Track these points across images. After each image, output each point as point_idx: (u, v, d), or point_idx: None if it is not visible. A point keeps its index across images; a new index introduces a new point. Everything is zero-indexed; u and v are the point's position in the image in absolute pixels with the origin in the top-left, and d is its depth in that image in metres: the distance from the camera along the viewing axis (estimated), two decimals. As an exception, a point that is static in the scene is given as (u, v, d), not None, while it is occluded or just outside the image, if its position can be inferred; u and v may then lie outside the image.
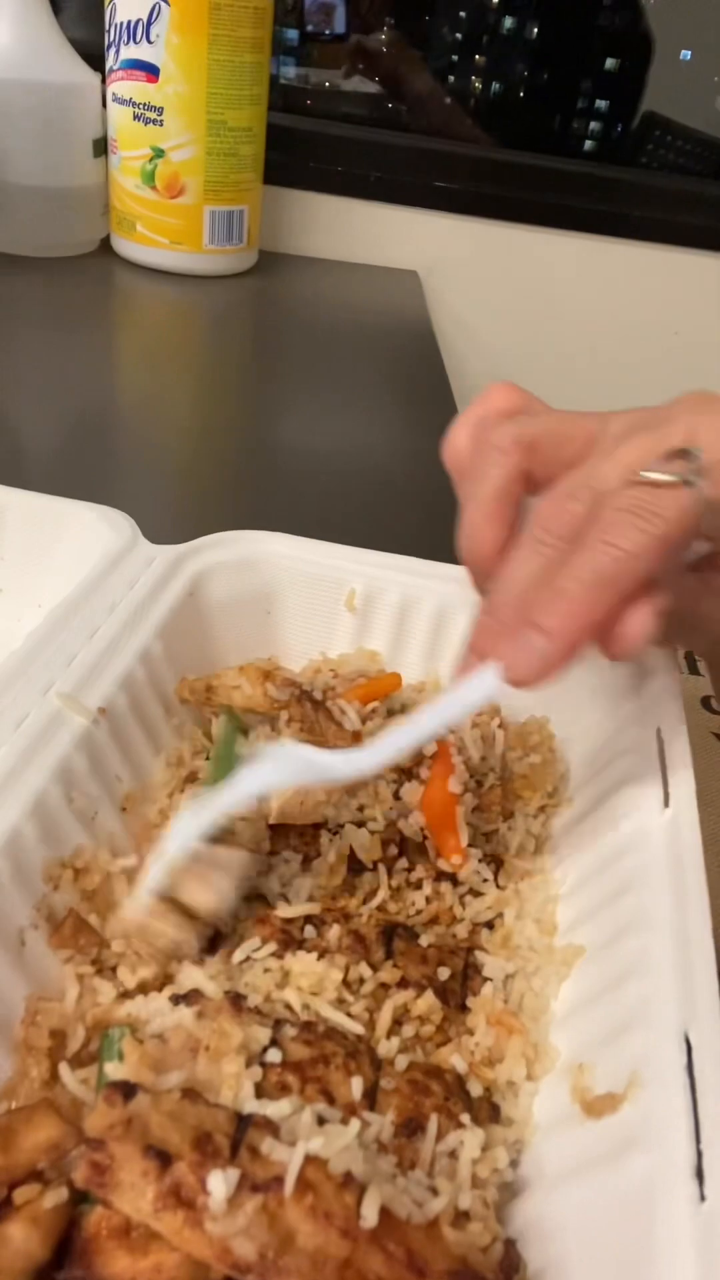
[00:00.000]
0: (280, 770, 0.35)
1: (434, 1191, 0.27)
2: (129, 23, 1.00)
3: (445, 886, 0.39)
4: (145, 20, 0.99)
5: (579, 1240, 0.27)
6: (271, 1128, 0.27)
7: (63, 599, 0.43)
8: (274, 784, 0.36)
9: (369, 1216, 0.25)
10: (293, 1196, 0.25)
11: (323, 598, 0.49)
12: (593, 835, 0.40)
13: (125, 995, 0.33)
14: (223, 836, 0.36)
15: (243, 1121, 0.27)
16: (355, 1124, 0.27)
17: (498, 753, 0.45)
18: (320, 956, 0.34)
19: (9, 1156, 0.27)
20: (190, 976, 0.32)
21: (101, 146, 1.09)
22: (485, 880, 0.39)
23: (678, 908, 0.33)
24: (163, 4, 0.98)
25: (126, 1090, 0.27)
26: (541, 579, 0.34)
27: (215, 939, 0.35)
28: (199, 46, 0.99)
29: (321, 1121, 0.28)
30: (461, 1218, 0.27)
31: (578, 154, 1.87)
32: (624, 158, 1.89)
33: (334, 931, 0.35)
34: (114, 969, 0.34)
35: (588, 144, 1.92)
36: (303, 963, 0.34)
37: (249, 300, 1.14)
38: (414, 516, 0.72)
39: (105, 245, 1.15)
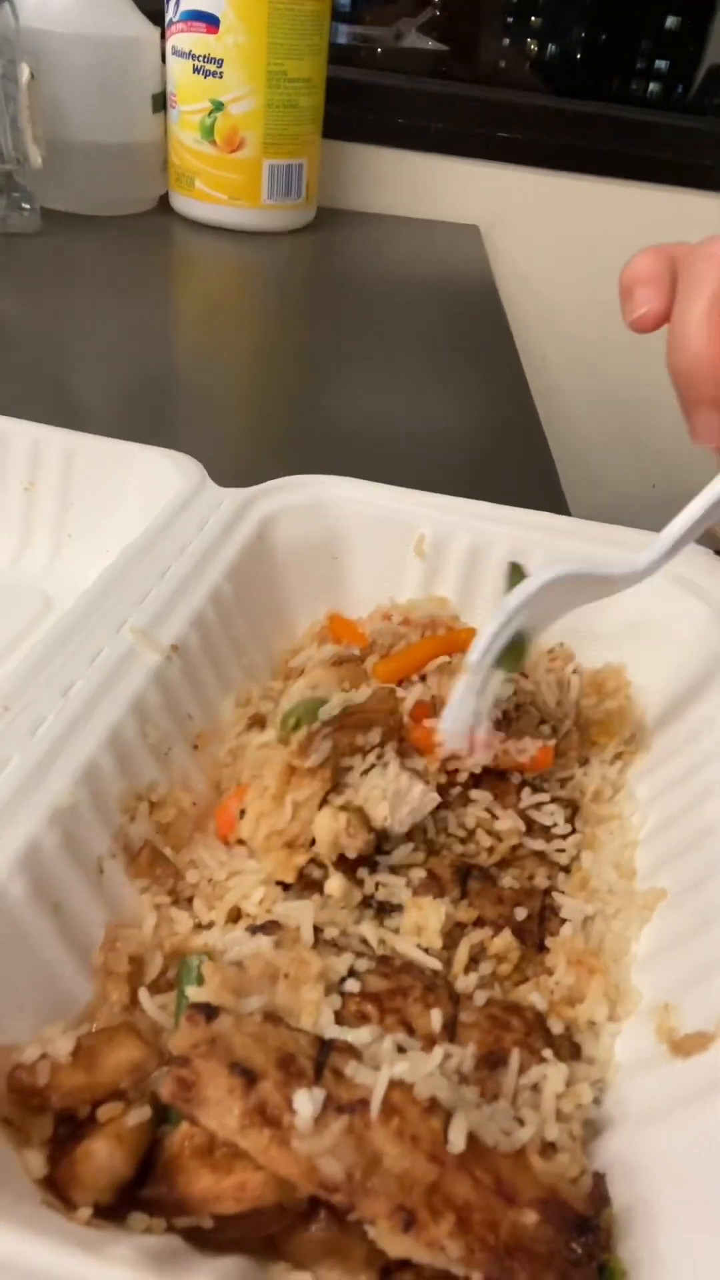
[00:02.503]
0: (552, 585, 0.36)
1: (520, 1122, 0.27)
2: (189, -28, 0.99)
3: (518, 827, 0.38)
4: (205, -31, 0.97)
5: (668, 1178, 0.26)
6: (354, 1052, 0.27)
7: (134, 539, 0.43)
8: (544, 592, 0.36)
9: (456, 1141, 0.24)
10: (379, 1119, 0.24)
11: (391, 543, 0.49)
12: (672, 781, 0.39)
13: (200, 927, 0.33)
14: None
15: (325, 1046, 0.27)
16: (439, 1052, 0.27)
17: (572, 699, 0.44)
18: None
19: (92, 1076, 0.28)
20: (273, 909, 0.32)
21: (160, 102, 1.08)
22: (556, 825, 0.39)
23: (766, 850, 0.32)
24: (223, -49, 0.96)
25: (209, 1011, 0.27)
26: None
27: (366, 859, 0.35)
28: (259, -6, 0.97)
29: (402, 1050, 0.28)
30: (549, 1148, 0.26)
31: (642, 103, 1.82)
32: (692, 107, 1.83)
33: (415, 872, 0.35)
34: (190, 900, 0.34)
35: (650, 95, 1.86)
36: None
37: (307, 256, 1.13)
38: (480, 469, 0.71)
39: (164, 202, 1.15)
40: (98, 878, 0.32)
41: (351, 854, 0.33)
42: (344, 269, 1.12)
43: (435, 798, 0.36)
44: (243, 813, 0.35)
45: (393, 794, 0.34)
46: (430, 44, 1.63)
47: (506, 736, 0.38)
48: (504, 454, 0.76)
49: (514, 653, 0.37)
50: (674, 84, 1.86)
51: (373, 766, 0.35)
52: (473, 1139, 0.25)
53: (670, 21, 1.83)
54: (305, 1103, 0.24)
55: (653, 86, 1.87)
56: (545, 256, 1.31)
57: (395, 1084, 0.25)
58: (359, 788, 0.35)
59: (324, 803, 0.35)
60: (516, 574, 0.37)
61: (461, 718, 0.37)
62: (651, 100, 1.85)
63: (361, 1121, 0.24)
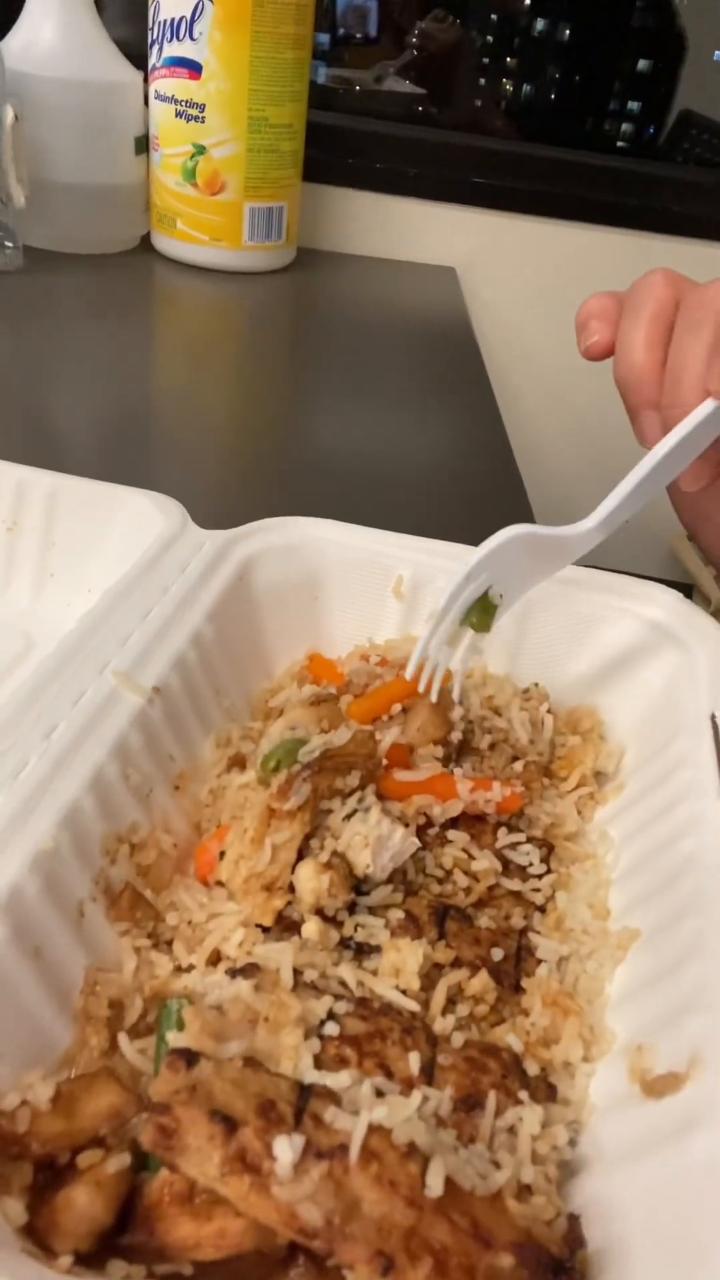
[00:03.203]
0: (509, 547, 0.39)
1: (496, 1165, 0.27)
2: (172, 20, 1.01)
3: (495, 867, 0.38)
4: (189, 17, 1.00)
5: (641, 1218, 0.27)
6: (333, 1097, 0.27)
7: (117, 581, 0.43)
8: (502, 559, 0.40)
9: (434, 1186, 0.25)
10: (358, 1164, 0.25)
11: (370, 584, 0.50)
12: (646, 820, 0.40)
13: (180, 970, 0.34)
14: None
15: (304, 1091, 0.27)
16: (417, 1095, 0.27)
17: (546, 737, 0.45)
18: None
19: (72, 1122, 0.28)
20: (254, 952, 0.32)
21: (143, 144, 1.10)
22: (531, 865, 0.39)
23: (736, 891, 0.33)
24: (206, 2, 0.98)
25: (189, 1057, 0.27)
26: (710, 340, 0.40)
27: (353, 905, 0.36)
28: (242, 43, 1.00)
29: (380, 1094, 0.28)
30: (524, 1191, 0.27)
31: (614, 150, 1.87)
32: (661, 154, 1.88)
33: (394, 913, 0.35)
34: (170, 943, 0.35)
35: (620, 144, 1.91)
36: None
37: (287, 296, 1.15)
38: (456, 506, 0.72)
39: (146, 242, 1.16)
40: (78, 921, 0.33)
41: (331, 912, 0.34)
42: (323, 309, 1.14)
43: (415, 842, 0.36)
44: (222, 854, 0.36)
45: (374, 840, 0.35)
46: (408, 86, 1.67)
47: (478, 780, 0.39)
48: (481, 492, 0.77)
49: (483, 611, 0.40)
50: (646, 125, 1.92)
51: (354, 812, 0.36)
52: (450, 1183, 0.25)
53: (642, 65, 1.88)
54: (285, 1149, 0.24)
55: (626, 127, 1.92)
56: (519, 297, 1.34)
57: (374, 1129, 0.25)
58: (340, 833, 0.35)
59: (305, 850, 0.36)
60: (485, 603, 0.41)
61: (428, 662, 0.41)
62: (625, 139, 1.90)
63: (340, 1167, 0.25)
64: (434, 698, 0.41)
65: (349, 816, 0.36)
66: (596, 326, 0.45)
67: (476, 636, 0.41)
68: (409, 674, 0.41)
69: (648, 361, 0.43)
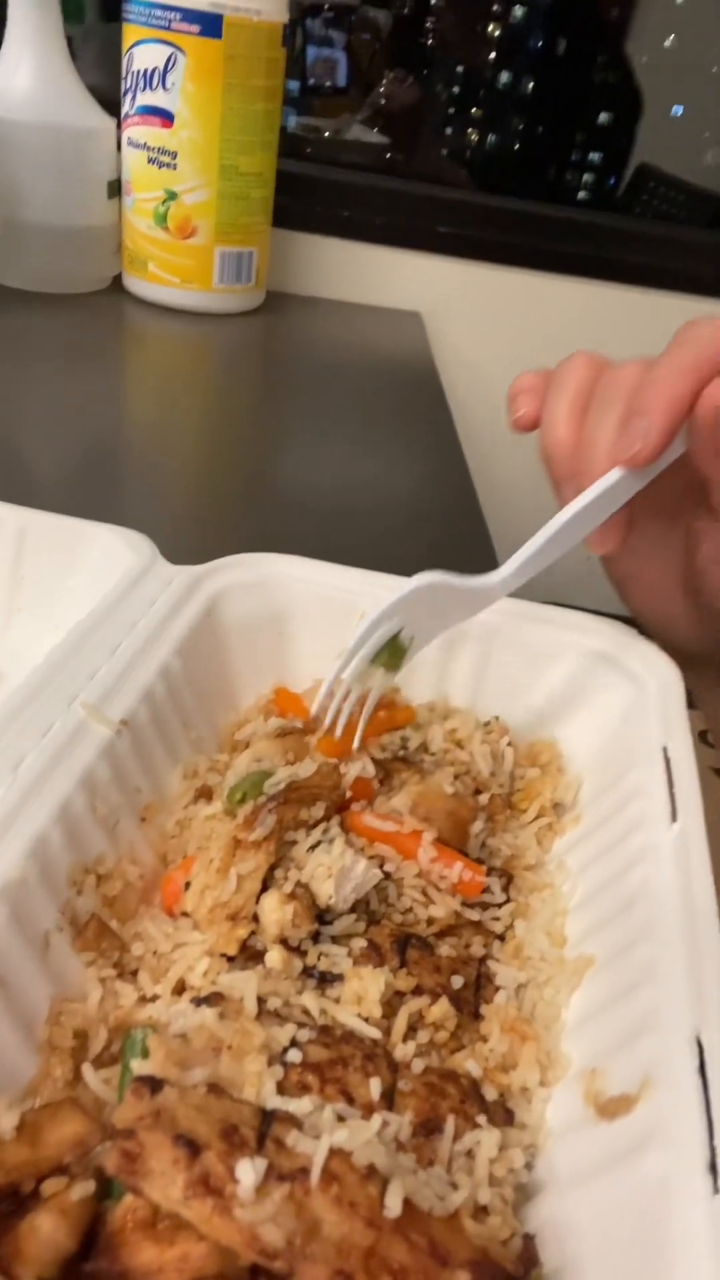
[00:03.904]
0: (423, 594, 0.41)
1: (454, 1186, 0.28)
2: (146, 70, 1.04)
3: (456, 899, 0.39)
4: (162, 68, 1.03)
5: (595, 1237, 0.27)
6: (295, 1122, 0.27)
7: (86, 615, 0.44)
8: (415, 604, 0.42)
9: (393, 1207, 0.25)
10: (319, 1186, 0.25)
11: (334, 619, 0.51)
12: (601, 850, 0.41)
13: (144, 1000, 0.34)
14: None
15: (267, 1116, 0.28)
16: (377, 1119, 0.28)
17: (506, 769, 0.46)
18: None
19: (36, 1151, 0.28)
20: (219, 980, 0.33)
21: (115, 188, 1.13)
22: (491, 894, 0.40)
23: (687, 918, 0.34)
24: (179, 53, 1.01)
25: (153, 1084, 0.27)
26: (619, 416, 0.43)
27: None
28: (213, 94, 1.03)
29: (342, 1119, 0.29)
30: (481, 1212, 0.27)
31: (573, 203, 1.93)
32: (619, 206, 1.95)
33: (356, 942, 0.36)
34: (135, 973, 0.35)
35: (581, 194, 1.98)
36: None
37: (257, 338, 1.17)
38: (419, 545, 0.74)
39: (117, 283, 1.18)
40: (44, 951, 0.33)
41: (294, 942, 0.34)
42: (292, 351, 1.16)
43: (378, 874, 0.37)
44: (188, 884, 0.36)
45: (338, 871, 0.35)
46: (375, 136, 1.72)
47: (443, 851, 0.39)
48: (445, 530, 0.79)
49: (393, 652, 0.42)
50: (606, 177, 1.99)
51: (319, 843, 0.37)
52: (408, 1204, 0.26)
53: (603, 118, 1.96)
54: (248, 1172, 0.25)
55: (587, 178, 1.99)
56: (483, 342, 1.37)
57: (335, 1152, 0.26)
58: (304, 864, 0.36)
59: (270, 881, 0.36)
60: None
61: (335, 698, 0.43)
62: (586, 189, 1.96)
63: (302, 1189, 0.25)
64: (337, 734, 0.43)
65: (313, 848, 0.37)
66: (524, 401, 0.49)
67: (386, 677, 0.44)
68: (314, 710, 0.42)
69: (568, 437, 0.46)
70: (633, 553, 0.47)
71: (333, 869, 0.35)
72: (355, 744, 0.43)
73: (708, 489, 0.45)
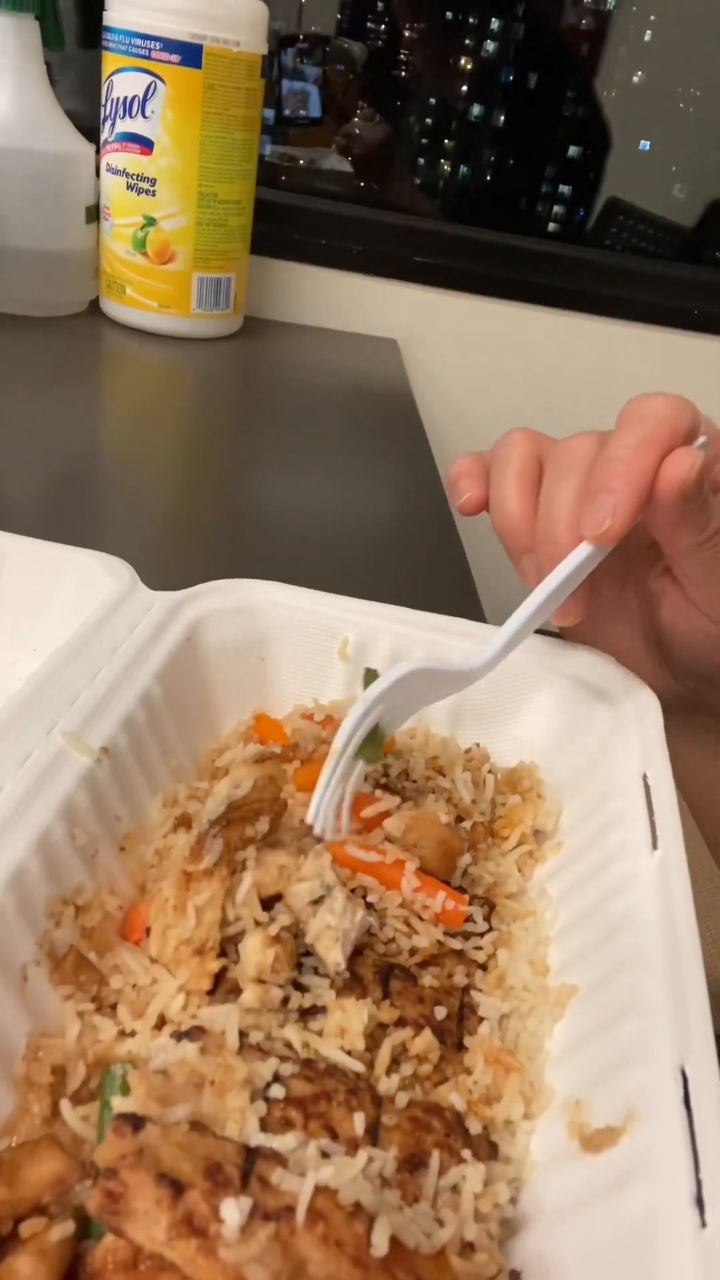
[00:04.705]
0: (405, 680, 0.40)
1: (440, 1223, 0.27)
2: (125, 98, 1.05)
3: (439, 929, 0.39)
4: (141, 96, 1.03)
5: (582, 1272, 0.27)
6: (280, 1159, 0.27)
7: (65, 641, 0.44)
8: (396, 691, 0.41)
9: (379, 1245, 0.25)
10: (304, 1225, 0.25)
11: (316, 645, 0.51)
12: (583, 878, 0.41)
13: (124, 1034, 0.34)
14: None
15: (251, 1153, 0.27)
16: (363, 1156, 0.28)
17: (488, 796, 0.46)
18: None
19: (14, 1190, 0.27)
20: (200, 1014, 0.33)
21: (94, 213, 1.13)
22: (474, 923, 0.40)
23: (670, 946, 0.34)
24: (158, 82, 1.02)
25: (135, 1121, 0.27)
26: (579, 491, 0.44)
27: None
28: (192, 123, 1.04)
29: (326, 1155, 0.28)
30: (467, 1248, 0.27)
31: (545, 234, 1.96)
32: (589, 239, 1.98)
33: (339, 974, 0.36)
34: (114, 1007, 0.34)
35: (551, 225, 2.01)
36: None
37: (234, 363, 1.17)
38: (399, 569, 0.74)
39: (95, 306, 1.19)
40: (21, 985, 0.32)
41: (273, 988, 0.34)
42: (269, 376, 1.17)
43: (370, 920, 0.37)
44: (148, 930, 0.36)
45: (343, 933, 0.35)
46: (349, 165, 1.74)
47: (425, 881, 0.39)
48: (422, 555, 0.80)
49: (373, 743, 0.41)
50: (576, 209, 2.03)
51: (321, 899, 0.36)
52: (395, 1241, 0.25)
53: (573, 151, 2.00)
54: (232, 1211, 0.24)
55: (557, 210, 2.03)
56: (458, 369, 1.39)
57: (320, 1190, 0.26)
58: (299, 910, 0.36)
59: (233, 900, 0.36)
60: (370, 676, 0.42)
61: (328, 802, 0.40)
62: (556, 220, 2.00)
63: (287, 1228, 0.25)
64: (328, 837, 0.40)
65: (316, 902, 0.36)
66: (466, 485, 0.50)
67: (366, 766, 0.42)
68: (309, 818, 0.40)
69: (520, 511, 0.47)
70: (592, 618, 0.48)
71: (338, 932, 0.35)
72: (342, 830, 0.41)
73: (669, 557, 0.47)
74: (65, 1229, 0.26)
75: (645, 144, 2.17)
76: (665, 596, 0.49)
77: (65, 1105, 0.31)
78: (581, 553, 0.43)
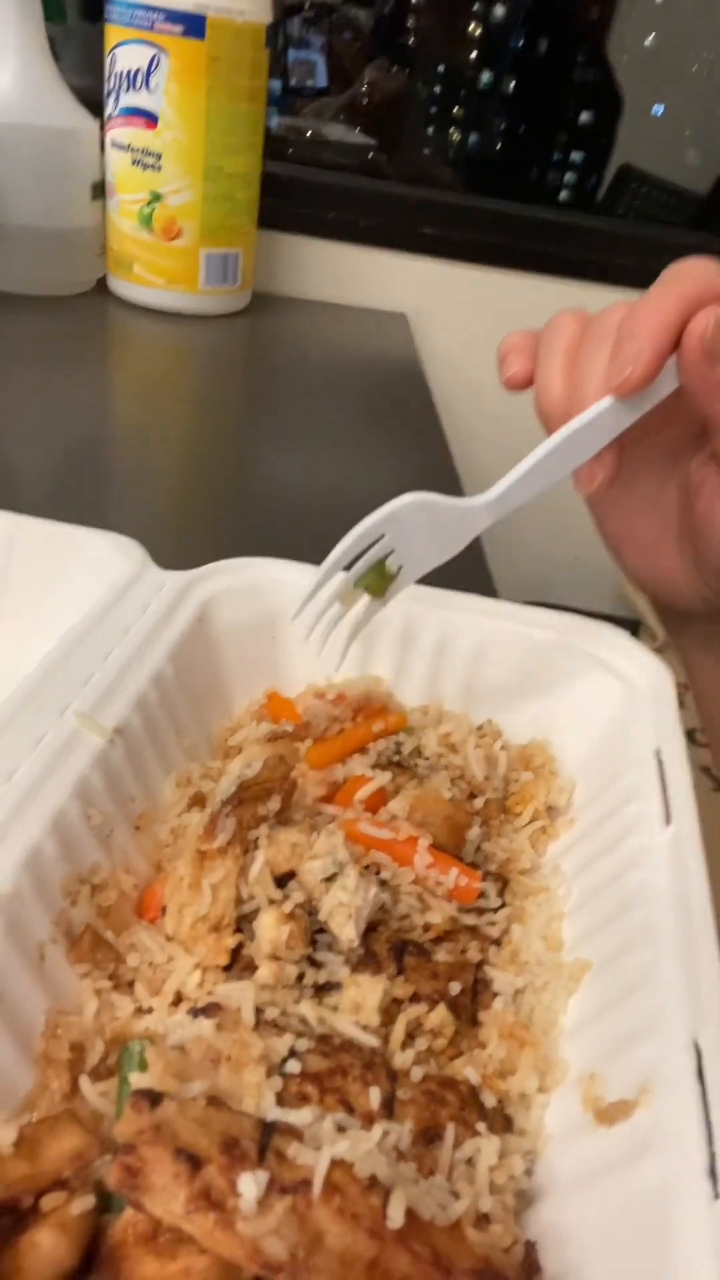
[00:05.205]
0: (408, 511, 0.41)
1: (455, 1195, 0.28)
2: (129, 71, 1.03)
3: (453, 905, 0.39)
4: (145, 69, 1.02)
5: (597, 1243, 0.28)
6: (296, 1133, 0.27)
7: (77, 622, 0.44)
8: (401, 524, 0.41)
9: (395, 1217, 0.25)
10: (321, 1198, 0.25)
11: (328, 624, 0.50)
12: (596, 853, 0.41)
13: (141, 1011, 0.34)
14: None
15: (267, 1128, 0.27)
16: (378, 1130, 0.28)
17: (500, 773, 0.46)
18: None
19: (35, 1165, 0.28)
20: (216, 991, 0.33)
21: (100, 190, 1.12)
22: (487, 899, 0.40)
23: (683, 921, 0.34)
24: (162, 54, 1.01)
25: (153, 1097, 0.27)
26: (610, 351, 0.42)
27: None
28: (197, 95, 1.02)
29: (342, 1129, 0.29)
30: (482, 1220, 0.27)
31: (556, 203, 1.94)
32: (601, 207, 1.95)
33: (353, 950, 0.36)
34: (131, 984, 0.35)
35: (563, 194, 1.98)
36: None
37: (242, 340, 1.16)
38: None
39: (102, 285, 1.18)
40: (39, 964, 0.33)
41: (288, 965, 0.34)
42: (278, 352, 1.16)
43: (383, 897, 0.37)
44: (164, 909, 0.36)
45: (356, 910, 0.35)
46: (358, 136, 1.72)
47: (438, 857, 0.39)
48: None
49: (378, 576, 0.42)
50: (588, 176, 2.00)
51: (333, 876, 0.36)
52: (411, 1214, 0.26)
53: (584, 118, 1.96)
54: (249, 1185, 0.25)
55: (568, 177, 2.00)
56: (468, 343, 1.38)
57: (336, 1163, 0.26)
58: (313, 889, 0.36)
59: (247, 875, 0.36)
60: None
61: (321, 617, 0.42)
62: (568, 189, 1.97)
63: (304, 1201, 0.25)
64: (319, 653, 0.43)
65: (329, 879, 0.36)
66: (515, 360, 0.48)
67: (374, 604, 0.43)
68: (293, 616, 0.42)
69: (564, 392, 0.46)
70: (627, 509, 0.47)
71: (352, 908, 0.35)
72: (338, 663, 0.43)
73: (709, 430, 0.45)
74: (86, 1203, 0.27)
75: (658, 109, 2.13)
76: (706, 484, 0.46)
77: (84, 1081, 0.31)
78: (604, 404, 0.42)
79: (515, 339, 0.49)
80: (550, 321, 0.48)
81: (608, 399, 0.42)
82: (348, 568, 0.42)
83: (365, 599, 0.43)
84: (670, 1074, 0.29)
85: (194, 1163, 0.25)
